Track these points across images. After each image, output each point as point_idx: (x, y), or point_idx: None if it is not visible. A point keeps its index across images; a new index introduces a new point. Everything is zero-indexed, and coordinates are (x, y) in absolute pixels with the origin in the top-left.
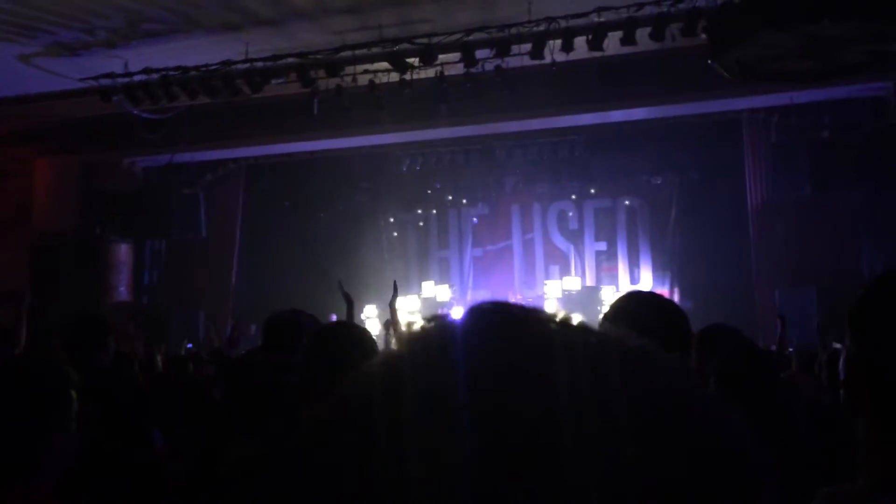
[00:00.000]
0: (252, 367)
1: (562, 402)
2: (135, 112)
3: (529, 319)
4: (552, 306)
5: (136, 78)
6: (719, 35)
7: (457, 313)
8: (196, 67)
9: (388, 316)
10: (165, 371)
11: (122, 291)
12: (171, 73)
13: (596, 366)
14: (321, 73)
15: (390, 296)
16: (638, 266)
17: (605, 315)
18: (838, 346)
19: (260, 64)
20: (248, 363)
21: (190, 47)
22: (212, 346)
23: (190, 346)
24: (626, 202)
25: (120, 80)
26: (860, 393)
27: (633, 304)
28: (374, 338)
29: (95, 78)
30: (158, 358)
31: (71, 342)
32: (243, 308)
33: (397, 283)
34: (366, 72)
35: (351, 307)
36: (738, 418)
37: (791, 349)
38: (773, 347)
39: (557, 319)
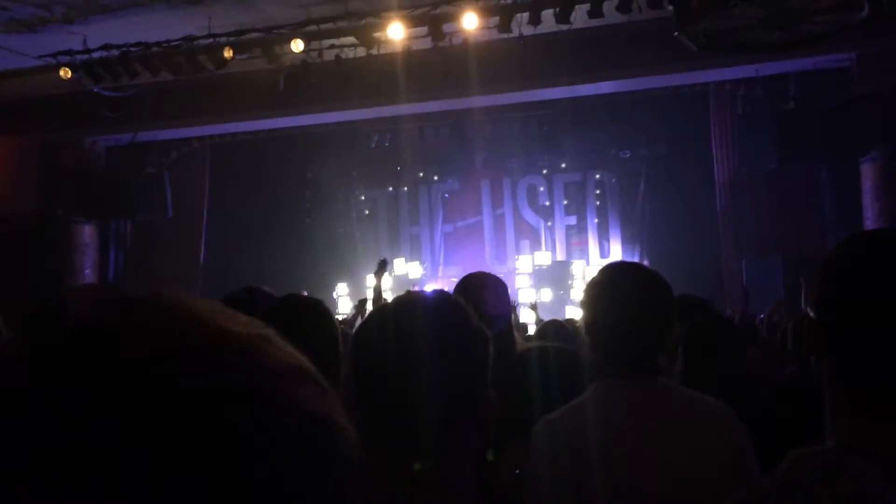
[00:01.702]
0: None
1: None
2: (95, 90)
3: None
4: (523, 281)
5: (96, 54)
6: (685, 7)
7: (429, 289)
8: (157, 43)
9: (360, 294)
10: None
11: (88, 273)
12: (131, 49)
13: None
14: (286, 48)
15: (365, 274)
16: (608, 239)
17: (587, 287)
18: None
19: (223, 39)
20: None
21: (151, 22)
22: None
23: None
24: (597, 176)
25: (79, 56)
26: (824, 355)
27: (615, 276)
28: (343, 314)
29: (54, 55)
30: None
31: (27, 327)
32: (212, 287)
33: (386, 261)
34: (332, 47)
35: (382, 270)
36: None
37: (762, 316)
38: (736, 318)
39: None
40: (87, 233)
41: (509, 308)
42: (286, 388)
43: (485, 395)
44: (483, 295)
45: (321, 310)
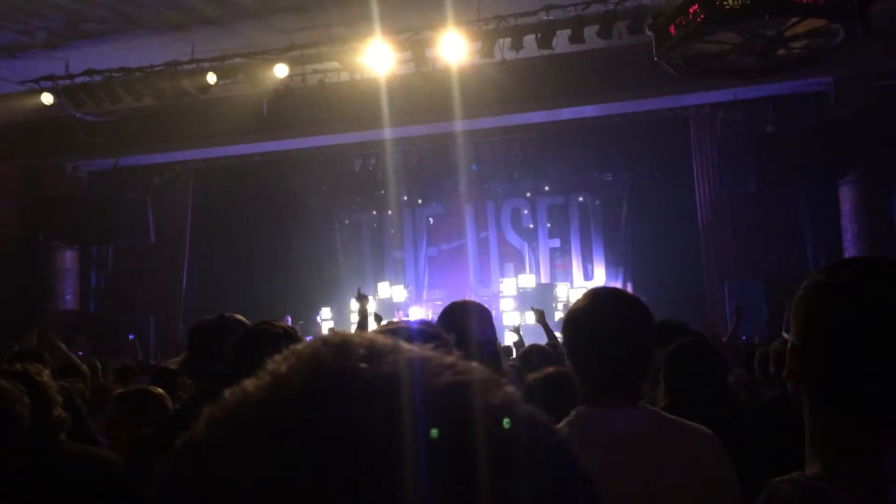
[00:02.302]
0: (177, 377)
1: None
2: (77, 115)
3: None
4: (508, 304)
5: (78, 80)
6: (665, 32)
7: (414, 314)
8: (140, 68)
9: (344, 318)
10: (113, 382)
11: (69, 299)
12: (114, 74)
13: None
14: (269, 73)
15: (349, 298)
16: (591, 262)
17: (568, 313)
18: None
19: (206, 64)
20: (173, 373)
21: (133, 48)
22: (143, 358)
23: (132, 336)
24: (580, 199)
25: (61, 82)
26: (801, 382)
27: (596, 302)
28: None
29: (35, 80)
30: (99, 369)
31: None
32: (196, 312)
33: (365, 294)
34: (315, 72)
35: (363, 316)
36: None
37: (744, 337)
38: (724, 339)
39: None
40: (69, 258)
41: (494, 332)
42: (552, 432)
43: None
44: (468, 321)
45: (294, 338)
